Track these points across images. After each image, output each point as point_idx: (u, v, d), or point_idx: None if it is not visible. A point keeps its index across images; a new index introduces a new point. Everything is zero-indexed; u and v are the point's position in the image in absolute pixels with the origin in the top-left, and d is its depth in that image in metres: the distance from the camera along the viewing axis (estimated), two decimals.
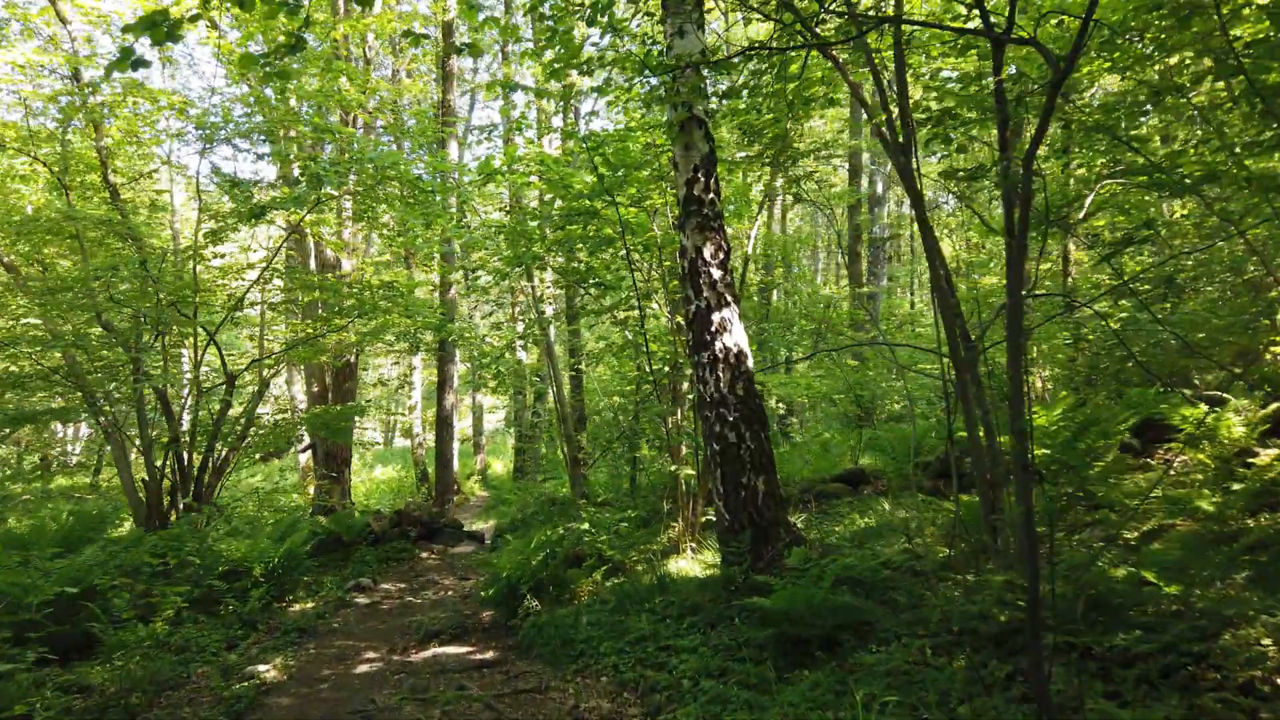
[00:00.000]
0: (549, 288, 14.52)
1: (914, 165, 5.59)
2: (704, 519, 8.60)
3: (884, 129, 5.86)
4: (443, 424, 15.25)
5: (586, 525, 8.21)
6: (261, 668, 6.85)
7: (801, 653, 5.37)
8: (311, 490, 16.91)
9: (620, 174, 8.37)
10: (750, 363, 7.35)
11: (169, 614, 7.62)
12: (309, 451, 18.21)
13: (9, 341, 10.52)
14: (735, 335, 7.32)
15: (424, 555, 11.42)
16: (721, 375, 7.19)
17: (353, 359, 16.29)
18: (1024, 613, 5.04)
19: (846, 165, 23.46)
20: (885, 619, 5.61)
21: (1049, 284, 9.99)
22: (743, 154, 7.68)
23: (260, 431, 12.73)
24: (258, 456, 29.16)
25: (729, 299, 7.41)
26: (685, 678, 5.42)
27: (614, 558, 8.16)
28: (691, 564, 7.98)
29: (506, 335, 14.75)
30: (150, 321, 10.67)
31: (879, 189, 24.69)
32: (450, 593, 9.53)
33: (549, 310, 15.92)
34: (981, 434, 5.58)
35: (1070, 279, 10.86)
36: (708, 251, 7.42)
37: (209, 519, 12.09)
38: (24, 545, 8.44)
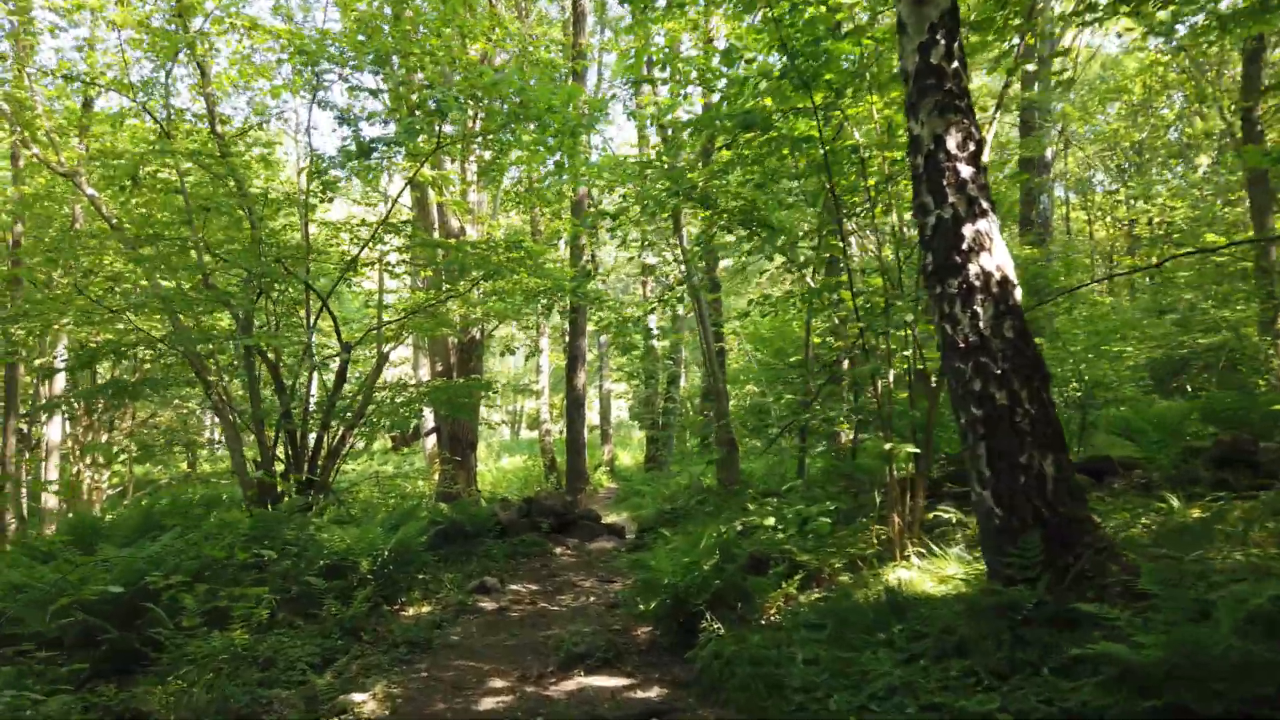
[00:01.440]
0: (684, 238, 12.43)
1: None
2: (930, 515, 6.35)
3: None
4: (573, 406, 13.50)
5: (770, 520, 6.11)
6: (358, 697, 5.10)
7: None
8: (436, 476, 15.54)
9: (816, 62, 6.21)
10: (1019, 294, 5.07)
11: (261, 616, 6.02)
12: (434, 435, 16.89)
13: (108, 307, 9.38)
14: (997, 255, 5.06)
15: (557, 551, 9.60)
16: (980, 310, 4.94)
17: (478, 335, 14.77)
18: None
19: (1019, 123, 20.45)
20: None
21: None
22: None
23: (379, 408, 11.24)
24: (388, 445, 28.41)
25: (984, 205, 5.15)
26: None
27: (809, 564, 6.03)
28: (919, 575, 5.75)
29: (642, 306, 12.76)
30: (256, 279, 9.28)
31: (1048, 153, 21.65)
32: (592, 599, 7.62)
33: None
34: None
35: None
36: (952, 141, 5.19)
37: (319, 503, 10.70)
38: (99, 533, 7.06)
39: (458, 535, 9.40)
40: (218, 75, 10.92)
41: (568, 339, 13.68)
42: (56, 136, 11.16)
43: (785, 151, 7.48)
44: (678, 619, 5.58)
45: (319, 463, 10.88)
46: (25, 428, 18.62)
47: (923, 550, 6.07)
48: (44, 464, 16.58)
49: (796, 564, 6.04)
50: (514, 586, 8.16)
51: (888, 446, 6.08)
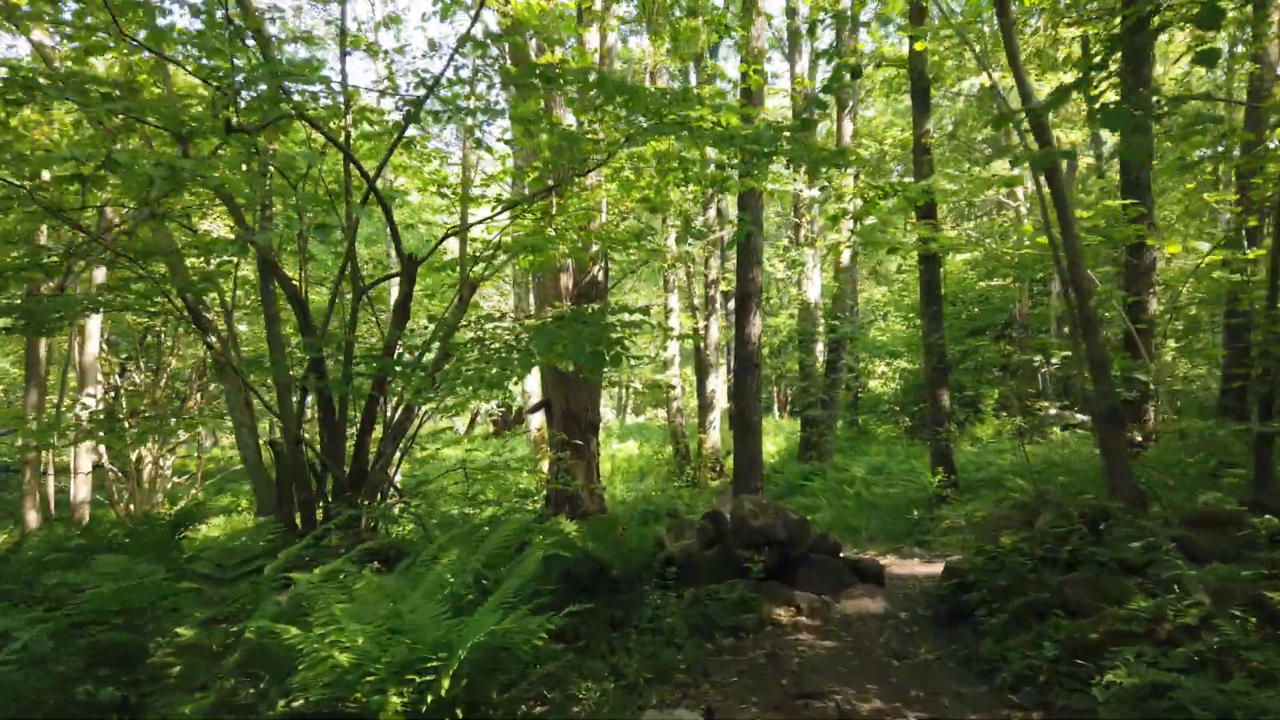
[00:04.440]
0: None
1: None
2: None
3: None
4: (744, 366, 8.74)
5: None
6: None
7: None
8: (545, 467, 11.11)
9: None
10: None
11: None
12: (540, 412, 12.43)
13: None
14: None
15: (782, 615, 4.82)
16: None
17: (598, 273, 10.19)
18: None
19: None
20: None
21: None
22: None
23: (470, 359, 6.63)
24: (490, 429, 24.12)
25: None
26: None
27: None
28: None
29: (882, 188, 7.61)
30: (261, 108, 4.80)
31: None
32: None
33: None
34: None
35: None
36: None
37: (375, 511, 6.31)
38: None
39: (597, 579, 4.76)
40: None
41: (735, 270, 8.93)
42: None
43: None
44: None
45: (368, 448, 6.48)
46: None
47: None
48: (74, 446, 12.90)
49: None
50: None
51: None
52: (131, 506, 15.22)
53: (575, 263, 9.73)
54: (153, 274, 5.50)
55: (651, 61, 13.40)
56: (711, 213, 14.63)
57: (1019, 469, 9.33)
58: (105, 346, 15.37)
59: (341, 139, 6.23)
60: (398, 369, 6.13)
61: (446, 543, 4.65)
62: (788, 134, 5.04)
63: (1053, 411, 12.49)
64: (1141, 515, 4.41)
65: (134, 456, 15.36)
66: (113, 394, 14.05)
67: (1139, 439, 8.45)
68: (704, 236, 8.59)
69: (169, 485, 16.26)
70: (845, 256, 14.52)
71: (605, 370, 10.93)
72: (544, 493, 10.15)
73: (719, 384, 15.15)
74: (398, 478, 11.65)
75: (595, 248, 9.58)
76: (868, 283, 24.12)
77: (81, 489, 12.64)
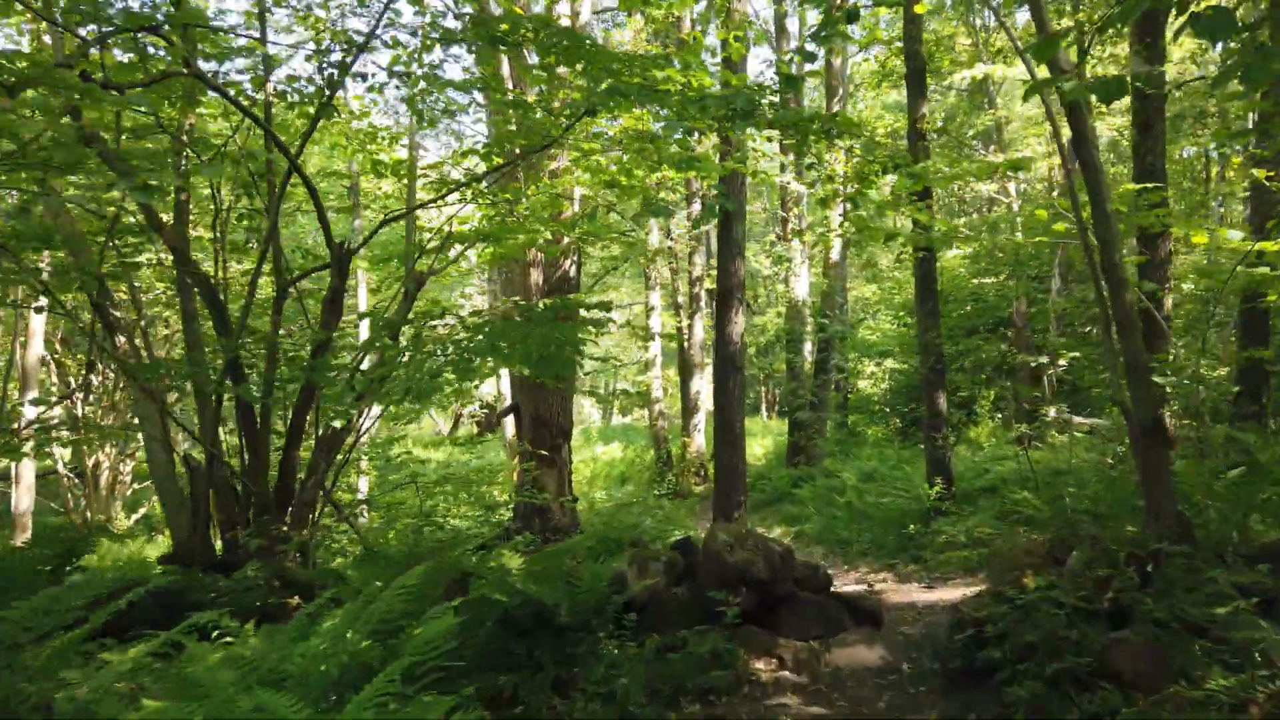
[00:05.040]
0: None
1: None
2: None
3: None
4: (725, 367, 7.94)
5: None
6: None
7: None
8: (515, 477, 10.26)
9: None
10: None
11: None
12: (511, 417, 11.59)
13: None
14: None
15: (761, 670, 4.01)
16: None
17: (570, 268, 9.37)
18: None
19: None
20: None
21: None
22: None
23: (414, 362, 5.77)
24: (473, 430, 23.33)
25: None
26: None
27: None
28: None
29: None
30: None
31: None
32: None
33: None
34: None
35: None
36: None
37: (295, 542, 5.45)
38: None
39: (541, 629, 3.94)
40: None
41: (715, 260, 8.15)
42: None
43: None
44: None
45: (294, 463, 5.64)
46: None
47: None
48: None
49: None
50: None
51: None
52: (89, 514, 14.32)
53: (545, 256, 8.91)
54: (23, 263, 4.63)
55: (632, 46, 12.60)
56: (695, 206, 13.85)
57: (1021, 477, 8.56)
58: (60, 347, 14.45)
59: (262, 111, 5.40)
60: (327, 375, 5.30)
61: (360, 581, 3.83)
62: (773, 97, 4.25)
63: (1053, 413, 11.77)
64: (1195, 552, 3.63)
65: (90, 462, 14.46)
66: (72, 397, 13.07)
67: None
68: (669, 212, 7.75)
69: (129, 492, 15.36)
70: (835, 251, 13.73)
71: (579, 374, 10.06)
72: (513, 506, 9.33)
73: (703, 385, 14.36)
74: (365, 485, 10.82)
75: (566, 240, 8.77)
76: (857, 280, 23.38)
77: (24, 499, 11.71)
